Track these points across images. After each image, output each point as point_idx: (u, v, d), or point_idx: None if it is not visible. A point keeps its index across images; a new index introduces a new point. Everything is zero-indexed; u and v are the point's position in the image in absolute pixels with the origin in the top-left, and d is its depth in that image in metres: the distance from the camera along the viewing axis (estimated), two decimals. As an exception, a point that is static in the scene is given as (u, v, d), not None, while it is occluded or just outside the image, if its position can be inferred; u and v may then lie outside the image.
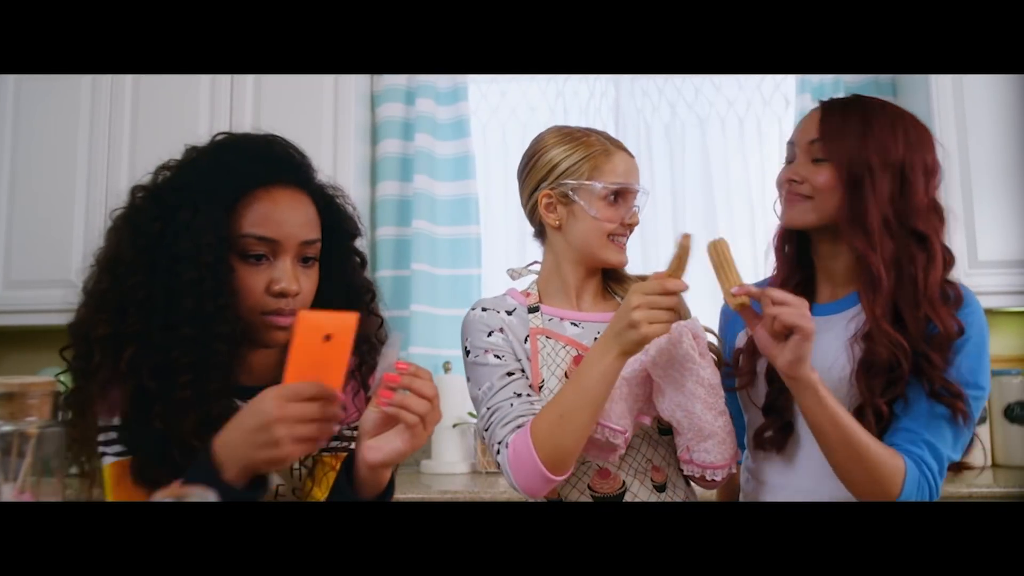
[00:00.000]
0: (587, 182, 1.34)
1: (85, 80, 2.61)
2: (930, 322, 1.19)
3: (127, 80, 2.60)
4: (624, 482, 1.31)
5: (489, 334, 1.36)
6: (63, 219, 2.55)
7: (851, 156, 1.22)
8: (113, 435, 1.04)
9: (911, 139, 1.24)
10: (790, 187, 1.29)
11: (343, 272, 1.16)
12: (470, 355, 1.36)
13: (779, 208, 1.33)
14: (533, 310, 1.39)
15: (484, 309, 1.40)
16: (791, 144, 1.33)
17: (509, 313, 1.38)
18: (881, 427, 1.19)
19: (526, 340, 1.35)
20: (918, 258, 1.20)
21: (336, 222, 1.17)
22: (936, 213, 1.25)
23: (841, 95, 2.62)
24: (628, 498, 1.30)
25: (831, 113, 1.28)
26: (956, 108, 2.43)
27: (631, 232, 1.39)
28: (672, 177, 2.85)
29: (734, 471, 1.31)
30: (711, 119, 2.89)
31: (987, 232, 2.39)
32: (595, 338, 1.33)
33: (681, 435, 1.26)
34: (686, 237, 1.18)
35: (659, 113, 2.91)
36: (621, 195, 1.35)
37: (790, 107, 2.85)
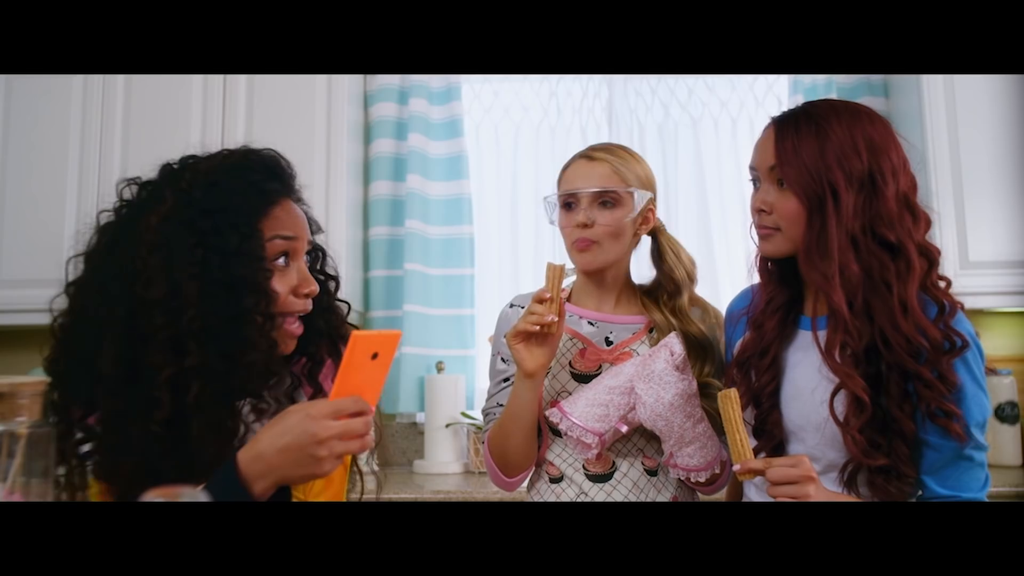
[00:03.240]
0: (550, 195, 1.48)
1: (77, 79, 2.59)
2: (920, 335, 1.14)
3: (119, 80, 2.59)
4: (614, 462, 1.41)
5: (505, 335, 1.46)
6: (54, 219, 2.54)
7: (812, 179, 1.16)
8: (79, 434, 1.04)
9: (873, 141, 1.18)
10: (759, 218, 1.25)
11: (313, 267, 1.21)
12: (492, 350, 1.56)
13: (755, 234, 1.29)
14: None
15: (512, 306, 1.54)
16: (753, 168, 1.28)
17: None
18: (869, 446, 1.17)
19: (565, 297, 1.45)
20: (890, 270, 1.15)
21: (309, 222, 1.21)
22: (909, 212, 1.18)
23: (833, 95, 2.67)
24: (618, 477, 1.41)
25: (784, 133, 1.21)
26: (947, 108, 2.44)
27: (588, 232, 1.40)
28: (665, 177, 2.85)
29: (718, 471, 1.37)
30: (704, 119, 2.89)
31: (978, 233, 2.40)
32: (606, 338, 1.44)
33: (664, 442, 1.36)
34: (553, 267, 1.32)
35: (652, 113, 2.91)
36: (572, 200, 1.43)
37: (783, 108, 2.83)
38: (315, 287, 1.12)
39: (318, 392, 1.17)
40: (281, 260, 1.09)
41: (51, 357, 1.06)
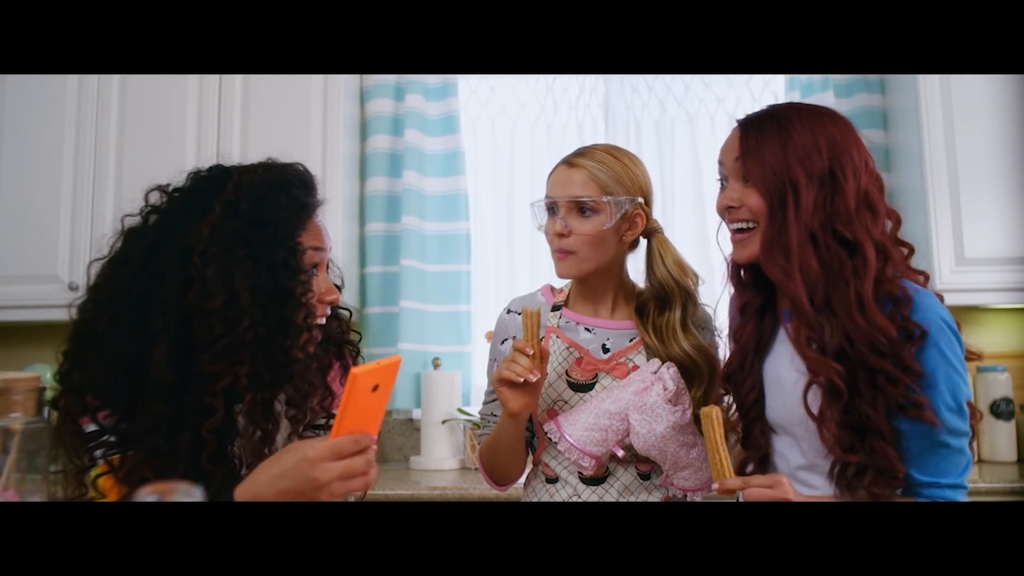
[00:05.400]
0: (536, 200, 1.48)
1: (72, 77, 2.58)
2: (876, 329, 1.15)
3: (114, 77, 2.58)
4: (608, 467, 1.41)
5: (503, 341, 1.49)
6: (50, 215, 2.53)
7: (775, 175, 1.20)
8: (111, 438, 1.06)
9: (834, 140, 1.21)
10: (731, 215, 1.27)
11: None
12: (489, 354, 1.55)
13: (724, 237, 1.31)
14: (556, 308, 1.49)
15: (509, 311, 1.53)
16: (720, 164, 1.31)
17: None
18: (854, 436, 1.17)
19: (541, 340, 1.42)
20: (847, 266, 1.17)
21: None
22: (869, 210, 1.20)
23: (830, 93, 2.67)
24: (611, 481, 1.40)
25: (748, 132, 1.26)
26: (943, 105, 2.44)
27: (565, 242, 1.40)
28: (661, 174, 2.85)
29: (714, 489, 1.35)
30: (700, 116, 2.89)
31: (974, 229, 2.40)
32: (603, 345, 1.43)
33: (660, 465, 1.38)
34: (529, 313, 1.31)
35: (648, 110, 2.91)
36: (553, 207, 1.43)
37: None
38: (337, 296, 1.18)
39: (327, 396, 1.19)
40: (314, 270, 1.15)
41: (72, 363, 1.08)
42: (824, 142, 1.20)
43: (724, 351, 1.48)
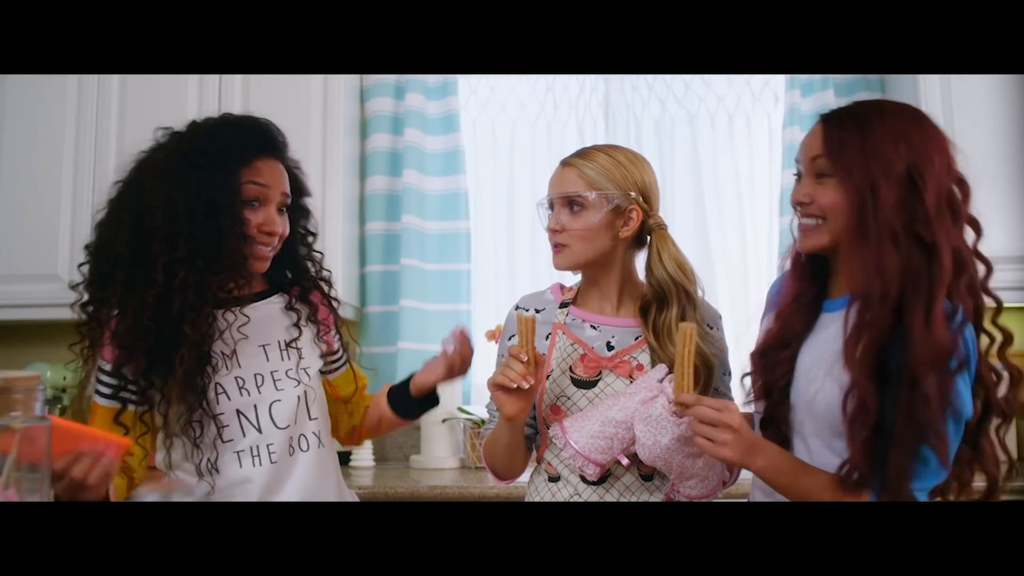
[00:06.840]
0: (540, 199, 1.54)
1: (72, 77, 2.58)
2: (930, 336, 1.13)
3: (114, 78, 2.57)
4: (610, 469, 1.41)
5: (511, 337, 1.52)
6: (50, 214, 2.53)
7: (854, 170, 1.19)
8: (108, 379, 1.33)
9: (913, 142, 1.20)
10: (802, 210, 1.28)
11: (297, 218, 1.51)
12: (497, 350, 1.60)
13: (795, 229, 1.32)
14: (563, 305, 1.52)
15: (517, 308, 1.56)
16: (797, 162, 1.31)
17: (538, 311, 1.51)
18: (875, 421, 1.15)
19: (547, 337, 1.48)
20: (924, 274, 1.16)
21: (298, 185, 1.50)
22: (950, 214, 1.20)
23: (830, 92, 2.67)
24: (611, 481, 1.41)
25: (830, 127, 1.25)
26: (943, 105, 2.44)
27: (559, 236, 1.45)
28: (662, 173, 2.85)
29: (720, 495, 1.40)
30: (701, 115, 2.89)
31: (974, 229, 2.40)
32: (608, 343, 1.45)
33: (667, 475, 1.38)
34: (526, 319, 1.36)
35: (649, 109, 2.91)
36: (551, 205, 1.49)
37: (779, 103, 2.86)
38: (277, 228, 1.39)
39: (314, 309, 1.51)
40: (255, 203, 1.36)
41: (88, 254, 1.37)
42: (903, 144, 1.20)
43: (734, 345, 1.51)
